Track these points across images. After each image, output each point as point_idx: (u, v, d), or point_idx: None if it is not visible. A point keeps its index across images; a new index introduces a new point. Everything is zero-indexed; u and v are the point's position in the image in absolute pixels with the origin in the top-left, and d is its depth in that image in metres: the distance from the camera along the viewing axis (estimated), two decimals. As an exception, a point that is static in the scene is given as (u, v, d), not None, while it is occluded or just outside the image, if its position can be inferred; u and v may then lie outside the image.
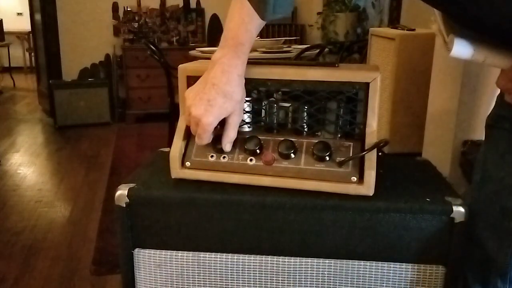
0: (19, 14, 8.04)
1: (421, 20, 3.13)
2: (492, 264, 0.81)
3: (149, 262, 0.82)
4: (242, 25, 0.78)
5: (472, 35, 0.72)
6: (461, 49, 0.70)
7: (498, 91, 0.87)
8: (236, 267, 0.80)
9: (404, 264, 0.77)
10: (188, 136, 0.85)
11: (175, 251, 0.81)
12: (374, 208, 0.75)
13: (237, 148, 0.82)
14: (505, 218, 0.80)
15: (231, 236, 0.79)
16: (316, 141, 0.79)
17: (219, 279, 0.81)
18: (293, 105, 0.82)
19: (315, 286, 0.79)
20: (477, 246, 0.80)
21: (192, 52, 3.22)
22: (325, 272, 0.78)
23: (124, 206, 0.80)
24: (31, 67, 7.60)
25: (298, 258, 0.79)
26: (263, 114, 0.84)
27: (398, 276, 0.77)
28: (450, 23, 0.75)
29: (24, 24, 7.31)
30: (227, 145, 0.81)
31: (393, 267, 0.77)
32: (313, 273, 0.79)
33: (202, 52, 3.18)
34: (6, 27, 7.12)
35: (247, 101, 0.83)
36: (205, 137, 0.79)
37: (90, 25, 4.87)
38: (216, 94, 0.76)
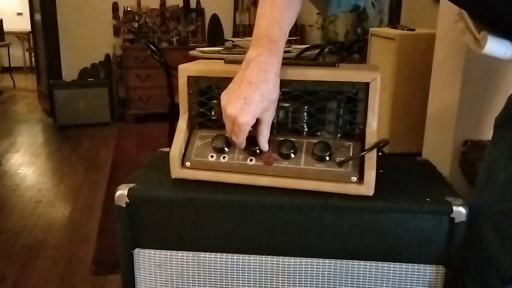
0: (19, 14, 8.04)
1: (421, 20, 3.14)
2: (492, 265, 0.81)
3: (149, 262, 0.82)
4: (275, 23, 0.77)
5: (501, 35, 0.71)
6: (494, 46, 0.69)
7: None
8: (236, 267, 0.80)
9: (404, 264, 0.77)
10: (188, 136, 0.85)
11: (175, 251, 0.81)
12: (374, 208, 0.75)
13: (237, 148, 0.82)
14: (508, 218, 0.80)
15: (231, 236, 0.79)
16: (316, 141, 0.79)
17: (219, 279, 0.81)
18: (293, 105, 0.82)
19: (315, 286, 0.79)
20: (477, 246, 0.80)
21: (192, 52, 3.22)
22: (325, 272, 0.78)
23: (124, 206, 0.80)
24: (31, 67, 7.60)
25: (298, 258, 0.79)
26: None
27: (398, 276, 0.77)
28: (479, 22, 0.74)
29: (24, 24, 7.31)
30: (265, 145, 0.80)
31: (393, 267, 0.77)
32: (313, 273, 0.79)
33: (202, 52, 3.18)
34: (6, 27, 7.12)
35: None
36: (241, 136, 0.77)
37: (90, 25, 4.87)
38: (253, 93, 0.74)
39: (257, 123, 0.78)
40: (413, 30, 2.51)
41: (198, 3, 5.01)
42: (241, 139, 0.77)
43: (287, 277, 0.79)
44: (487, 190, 0.83)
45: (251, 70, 0.75)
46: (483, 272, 0.81)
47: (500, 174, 0.83)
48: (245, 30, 4.97)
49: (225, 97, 0.77)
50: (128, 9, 4.81)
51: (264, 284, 0.80)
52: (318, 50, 3.09)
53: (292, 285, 0.80)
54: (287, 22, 0.78)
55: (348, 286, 0.79)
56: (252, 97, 0.74)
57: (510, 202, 0.79)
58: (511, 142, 0.82)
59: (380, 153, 0.79)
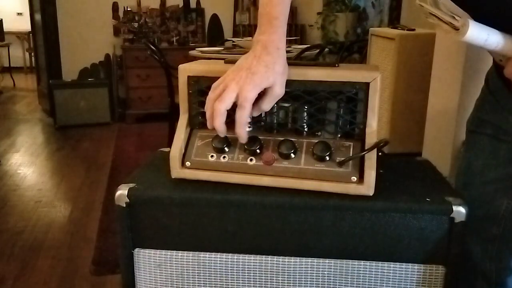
0: (19, 14, 8.04)
1: (421, 20, 3.13)
2: (477, 270, 0.81)
3: (149, 262, 0.82)
4: None
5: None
6: (476, 32, 0.66)
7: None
8: (236, 267, 0.80)
9: (404, 264, 0.77)
10: (188, 136, 0.85)
11: (175, 251, 0.81)
12: (374, 208, 0.75)
13: (237, 148, 0.82)
14: (488, 223, 0.80)
15: (231, 236, 0.79)
16: (316, 141, 0.79)
17: (219, 279, 0.81)
18: (293, 105, 0.82)
19: (315, 286, 0.79)
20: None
21: (192, 52, 3.22)
22: (325, 272, 0.78)
23: (124, 206, 0.80)
24: (31, 67, 7.60)
25: (298, 258, 0.79)
26: (263, 114, 0.84)
27: (398, 276, 0.77)
28: (456, 10, 0.72)
29: (24, 24, 7.32)
30: (254, 113, 0.77)
31: (393, 267, 0.77)
32: (313, 273, 0.79)
33: (202, 52, 3.18)
34: (6, 27, 7.12)
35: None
36: (246, 106, 0.74)
37: (90, 25, 4.87)
38: (257, 63, 0.74)
39: (261, 95, 0.76)
40: (413, 30, 2.51)
41: (198, 3, 5.02)
42: (245, 111, 0.74)
43: (287, 277, 0.79)
44: (465, 196, 0.83)
45: (256, 48, 0.76)
46: (469, 277, 0.82)
47: (476, 180, 0.83)
48: (245, 30, 4.98)
49: (230, 70, 0.77)
50: (128, 9, 4.81)
51: (264, 284, 0.80)
52: (318, 50, 3.09)
53: (292, 285, 0.80)
54: None
55: (348, 286, 0.79)
56: (257, 68, 0.74)
57: (488, 207, 0.79)
58: (486, 148, 0.83)
59: (380, 153, 0.79)
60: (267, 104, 0.77)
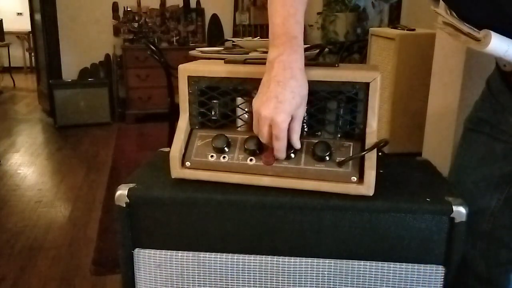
0: (19, 14, 8.04)
1: (421, 20, 3.14)
2: (469, 267, 0.81)
3: (149, 262, 0.82)
4: (290, 18, 0.76)
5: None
6: (498, 44, 0.67)
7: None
8: (236, 267, 0.80)
9: (404, 264, 0.77)
10: (188, 136, 0.85)
11: (175, 251, 0.81)
12: (374, 208, 0.75)
13: (237, 148, 0.82)
14: (479, 220, 0.80)
15: (231, 236, 0.79)
16: (316, 141, 0.79)
17: (219, 279, 0.81)
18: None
19: (315, 286, 0.79)
20: None
21: (192, 52, 3.22)
22: (325, 272, 0.78)
23: (124, 206, 0.80)
24: (31, 67, 7.60)
25: (298, 258, 0.79)
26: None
27: (398, 276, 0.77)
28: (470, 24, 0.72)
29: (24, 24, 7.31)
30: (297, 142, 0.77)
31: (393, 267, 0.77)
32: (313, 273, 0.79)
33: (202, 52, 3.18)
34: (6, 27, 7.12)
35: (246, 101, 0.83)
36: (283, 136, 0.74)
37: (90, 25, 4.87)
38: (283, 90, 0.72)
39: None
40: (413, 30, 2.51)
41: (198, 3, 5.01)
42: (282, 142, 0.74)
43: (287, 277, 0.79)
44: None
45: (277, 70, 0.74)
46: (462, 274, 0.82)
47: (470, 176, 0.83)
48: (245, 30, 4.97)
49: (256, 101, 0.75)
50: (128, 9, 4.81)
51: (264, 284, 0.80)
52: (318, 50, 3.09)
53: (292, 285, 0.80)
54: (301, 15, 0.76)
55: (348, 286, 0.79)
56: (283, 95, 0.72)
57: (479, 203, 0.80)
58: (482, 146, 0.83)
59: (380, 153, 0.79)
60: (299, 127, 0.76)
